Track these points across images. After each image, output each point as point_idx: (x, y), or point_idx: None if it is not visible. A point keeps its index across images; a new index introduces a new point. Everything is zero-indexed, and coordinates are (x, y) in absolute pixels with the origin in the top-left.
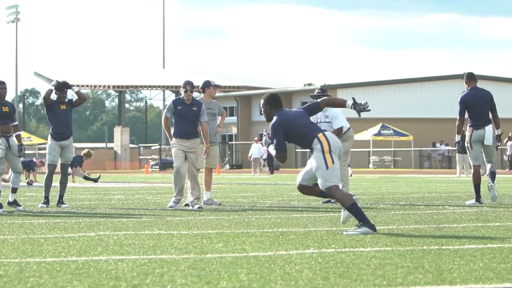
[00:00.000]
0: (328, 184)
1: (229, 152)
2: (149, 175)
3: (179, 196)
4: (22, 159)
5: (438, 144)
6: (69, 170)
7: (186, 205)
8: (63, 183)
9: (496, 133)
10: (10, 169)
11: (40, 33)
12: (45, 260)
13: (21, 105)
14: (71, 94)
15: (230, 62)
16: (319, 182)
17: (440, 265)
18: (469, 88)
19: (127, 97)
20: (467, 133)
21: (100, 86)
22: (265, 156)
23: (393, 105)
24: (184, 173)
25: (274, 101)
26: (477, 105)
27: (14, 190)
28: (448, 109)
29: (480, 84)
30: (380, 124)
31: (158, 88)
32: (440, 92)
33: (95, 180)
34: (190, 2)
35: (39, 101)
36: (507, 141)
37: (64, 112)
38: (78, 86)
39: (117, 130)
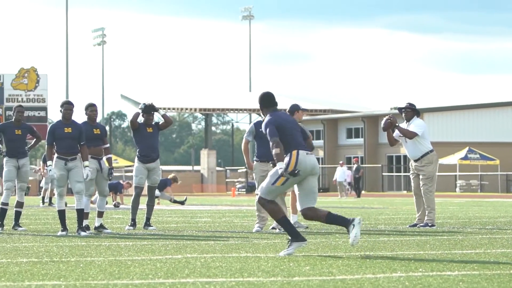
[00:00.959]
0: (263, 196)
1: None
2: (236, 198)
3: (263, 222)
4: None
5: None
6: (157, 192)
7: (273, 228)
8: (150, 205)
9: None
10: (96, 192)
11: (127, 55)
12: (132, 282)
13: (107, 128)
14: (157, 117)
15: (316, 85)
16: (259, 187)
17: None
18: None
19: (214, 120)
20: None
21: (186, 109)
22: (349, 180)
23: (479, 129)
24: None
25: (266, 101)
26: None
27: (100, 214)
28: None
29: None
30: (467, 148)
31: (245, 111)
32: None
33: (182, 203)
34: (277, 26)
35: (126, 123)
36: None
37: (150, 135)
38: (164, 109)
39: (204, 153)
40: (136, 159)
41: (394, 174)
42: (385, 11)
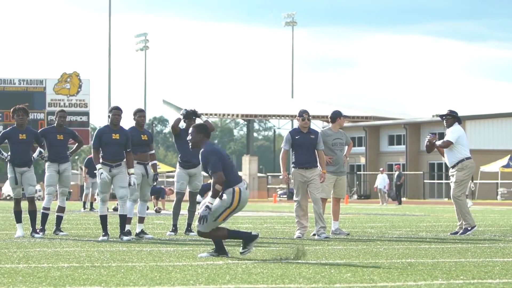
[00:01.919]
0: (203, 231)
1: (357, 182)
2: (277, 204)
3: (303, 228)
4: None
5: None
6: (198, 198)
7: (314, 235)
8: (191, 211)
9: None
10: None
11: (169, 61)
12: None
13: None
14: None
15: (359, 92)
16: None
17: None
18: None
19: (256, 126)
20: None
21: (228, 115)
22: (387, 188)
23: None
24: (306, 206)
25: (208, 132)
26: None
27: (141, 220)
28: None
29: None
30: (509, 156)
31: (287, 118)
32: None
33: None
34: (319, 33)
35: (167, 129)
36: None
37: None
38: (206, 115)
39: (246, 159)
40: (177, 164)
41: (436, 181)
42: (429, 18)
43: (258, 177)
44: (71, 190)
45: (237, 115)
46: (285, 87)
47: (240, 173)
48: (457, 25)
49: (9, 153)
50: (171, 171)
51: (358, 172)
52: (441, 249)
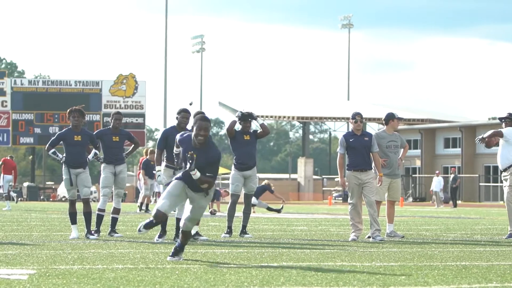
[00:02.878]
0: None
1: (412, 185)
2: (332, 207)
3: (358, 231)
4: None
5: None
6: (253, 200)
7: (369, 237)
8: (247, 213)
9: None
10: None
11: (225, 63)
12: None
13: None
14: (255, 125)
15: (414, 95)
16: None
17: None
18: None
19: (311, 128)
20: None
21: (284, 117)
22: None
23: None
24: (360, 208)
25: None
26: None
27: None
28: None
29: None
30: None
31: (342, 120)
32: None
33: (278, 211)
34: (376, 35)
35: (223, 131)
36: None
37: (248, 142)
38: (262, 117)
39: (301, 161)
40: (233, 166)
41: (491, 184)
42: (485, 21)
43: (313, 179)
44: (127, 192)
45: (293, 117)
46: (341, 89)
47: (295, 176)
48: None
49: (64, 155)
50: (227, 173)
51: (413, 175)
52: (496, 252)
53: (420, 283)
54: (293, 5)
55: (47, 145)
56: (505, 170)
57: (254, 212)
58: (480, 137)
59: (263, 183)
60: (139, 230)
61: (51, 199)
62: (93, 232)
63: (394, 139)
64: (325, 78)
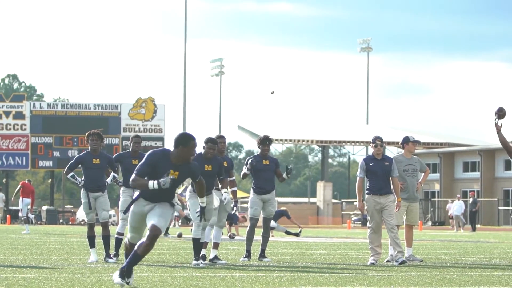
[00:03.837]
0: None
1: (431, 209)
2: (351, 230)
3: (377, 255)
4: None
5: None
6: (272, 223)
7: (388, 261)
8: (265, 237)
9: None
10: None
11: (244, 86)
12: None
13: None
14: (274, 149)
15: (433, 118)
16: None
17: None
18: None
19: (330, 152)
20: None
21: (303, 140)
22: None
23: None
24: (380, 233)
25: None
26: None
27: (215, 246)
28: None
29: None
30: None
31: (361, 144)
32: None
33: (297, 235)
34: (395, 59)
35: (242, 154)
36: None
37: (267, 167)
38: (281, 140)
39: (320, 185)
40: (251, 190)
41: (510, 208)
42: (505, 45)
43: (332, 203)
44: None
45: (312, 141)
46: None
47: (314, 199)
48: None
49: (83, 178)
50: (245, 197)
51: (432, 199)
52: None
53: None
54: (312, 29)
55: (66, 168)
56: None
57: (272, 235)
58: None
59: (282, 208)
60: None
61: (70, 223)
62: (111, 255)
63: (412, 163)
64: (344, 102)
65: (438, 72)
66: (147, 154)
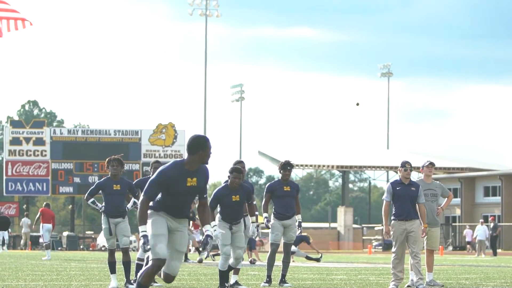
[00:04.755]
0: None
1: (452, 233)
2: (372, 256)
3: (398, 280)
4: None
5: None
6: (293, 248)
7: (408, 286)
8: (286, 262)
9: None
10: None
11: (264, 111)
12: None
13: None
14: (295, 174)
15: (454, 143)
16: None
17: None
18: None
19: (351, 177)
20: None
21: (324, 166)
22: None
23: None
24: (403, 259)
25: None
26: None
27: (236, 271)
28: None
29: None
30: None
31: (382, 169)
32: None
33: (318, 260)
34: (415, 83)
35: (263, 180)
36: None
37: (287, 193)
38: (301, 166)
39: (341, 210)
40: (272, 215)
41: None
42: None
43: (353, 228)
44: None
45: (333, 166)
46: (381, 138)
47: (334, 225)
48: None
49: (103, 204)
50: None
51: (453, 224)
52: None
53: None
54: (332, 54)
55: (86, 194)
56: None
57: (293, 261)
58: None
59: (303, 234)
60: None
61: (90, 249)
62: (132, 281)
63: (431, 188)
64: (365, 127)
65: (458, 97)
66: (157, 172)
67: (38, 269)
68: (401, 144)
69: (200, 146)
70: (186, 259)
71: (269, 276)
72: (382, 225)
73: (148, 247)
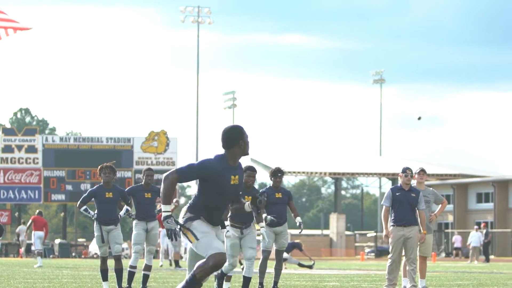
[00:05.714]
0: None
1: (445, 240)
2: (364, 262)
3: (392, 286)
4: None
5: None
6: (285, 255)
7: None
8: (278, 269)
9: None
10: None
11: (257, 118)
12: None
13: None
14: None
15: (447, 149)
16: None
17: None
18: None
19: (344, 184)
20: None
21: (316, 172)
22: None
23: None
24: (399, 265)
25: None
26: None
27: (228, 278)
28: None
29: None
30: None
31: (375, 175)
32: None
33: (310, 267)
34: (408, 90)
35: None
36: None
37: (279, 200)
38: (294, 172)
39: (333, 217)
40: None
41: None
42: None
43: (345, 235)
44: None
45: (325, 173)
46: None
47: (327, 231)
48: None
49: (95, 212)
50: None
51: (446, 230)
52: None
53: None
54: (325, 61)
55: (79, 202)
56: None
57: (285, 268)
58: None
59: (296, 241)
60: None
61: (82, 256)
62: None
63: (424, 194)
64: (357, 134)
65: (451, 103)
66: (200, 161)
67: (30, 276)
68: (394, 151)
69: (239, 135)
70: (178, 265)
71: (261, 283)
72: (375, 232)
73: (175, 240)
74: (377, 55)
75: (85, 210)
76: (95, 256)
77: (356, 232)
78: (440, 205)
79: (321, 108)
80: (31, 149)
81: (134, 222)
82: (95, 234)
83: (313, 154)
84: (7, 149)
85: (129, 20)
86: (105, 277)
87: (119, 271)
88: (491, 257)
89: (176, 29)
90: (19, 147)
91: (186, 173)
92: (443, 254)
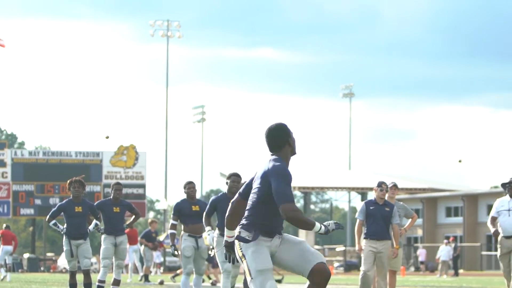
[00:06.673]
0: None
1: (414, 254)
2: (334, 277)
3: None
4: None
5: None
6: None
7: None
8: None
9: None
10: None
11: (226, 133)
12: None
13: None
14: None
15: (416, 163)
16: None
17: None
18: None
19: (313, 198)
20: None
21: None
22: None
23: None
24: (371, 277)
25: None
26: None
27: None
28: None
29: None
30: None
31: (344, 190)
32: None
33: (279, 281)
34: (377, 104)
35: None
36: None
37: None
38: None
39: (302, 231)
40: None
41: (493, 253)
42: (488, 89)
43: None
44: (127, 263)
45: (294, 187)
46: (343, 158)
47: None
48: None
49: (65, 226)
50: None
51: (415, 244)
52: None
53: None
54: (294, 75)
55: (48, 216)
56: (509, 237)
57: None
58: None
59: None
60: None
61: (51, 270)
62: None
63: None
64: (327, 148)
65: (421, 117)
66: (284, 173)
67: None
68: (363, 165)
69: (287, 133)
70: (147, 280)
71: None
72: (345, 246)
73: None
74: (346, 69)
75: (54, 224)
76: (64, 270)
77: (325, 246)
78: (410, 219)
79: (290, 122)
80: (0, 163)
81: (103, 236)
82: (64, 248)
83: None
84: None
85: (98, 34)
86: None
87: (88, 285)
88: (460, 271)
89: (145, 43)
90: None
91: (292, 195)
92: (412, 268)
